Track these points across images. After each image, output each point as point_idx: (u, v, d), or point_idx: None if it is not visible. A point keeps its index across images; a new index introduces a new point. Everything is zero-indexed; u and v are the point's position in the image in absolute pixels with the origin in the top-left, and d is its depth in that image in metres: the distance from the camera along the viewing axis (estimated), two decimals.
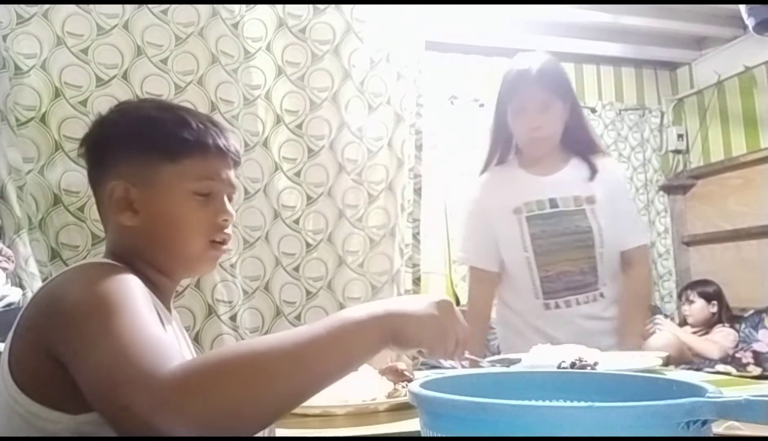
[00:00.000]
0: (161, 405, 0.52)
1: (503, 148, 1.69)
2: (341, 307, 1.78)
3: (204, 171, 0.86)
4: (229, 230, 0.89)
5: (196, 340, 1.64)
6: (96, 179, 0.86)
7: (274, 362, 0.57)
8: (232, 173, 0.90)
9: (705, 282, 3.24)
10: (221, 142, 0.88)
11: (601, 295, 1.57)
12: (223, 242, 0.88)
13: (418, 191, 2.00)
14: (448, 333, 0.70)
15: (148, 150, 0.84)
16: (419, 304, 0.69)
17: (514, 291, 1.63)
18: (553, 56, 1.64)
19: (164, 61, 1.68)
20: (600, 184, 1.60)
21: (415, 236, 2.02)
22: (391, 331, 0.65)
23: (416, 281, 1.98)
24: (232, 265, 1.69)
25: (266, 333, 1.68)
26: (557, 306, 1.57)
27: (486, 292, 1.68)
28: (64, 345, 0.63)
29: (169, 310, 0.88)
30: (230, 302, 1.69)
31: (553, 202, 1.60)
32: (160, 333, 0.62)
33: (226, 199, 0.88)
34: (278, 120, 1.79)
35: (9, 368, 0.68)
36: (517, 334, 1.61)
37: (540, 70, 1.59)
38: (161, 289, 0.85)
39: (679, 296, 3.38)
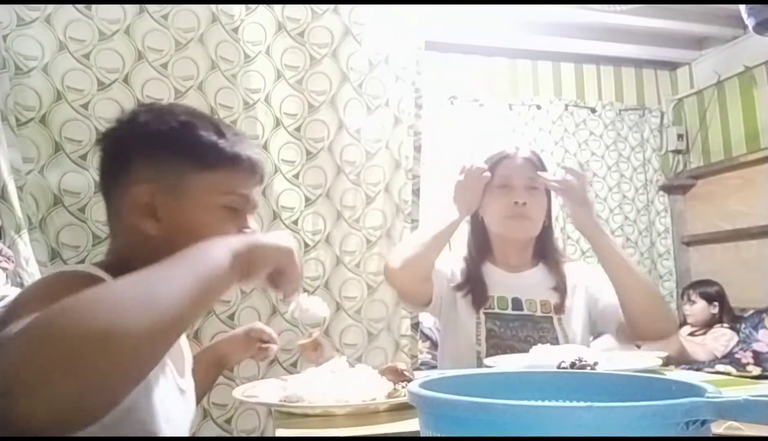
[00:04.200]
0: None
1: (478, 244, 1.55)
2: (337, 305, 1.80)
3: (234, 185, 0.83)
4: None
5: (196, 337, 1.66)
6: (114, 178, 0.82)
7: (116, 297, 0.51)
8: (256, 190, 0.87)
9: (707, 282, 3.23)
10: (254, 156, 0.85)
11: None
12: None
13: (416, 192, 2.01)
14: (296, 261, 0.71)
15: (181, 156, 0.80)
16: (279, 238, 0.71)
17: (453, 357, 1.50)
18: None
19: (164, 65, 1.69)
20: (572, 292, 1.48)
21: None
22: (246, 249, 0.64)
23: None
24: None
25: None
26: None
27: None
28: None
29: None
30: (228, 301, 1.71)
31: (516, 303, 1.46)
32: None
33: (248, 216, 0.86)
34: (277, 123, 1.80)
35: None
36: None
37: (530, 152, 1.53)
38: None
39: (681, 296, 3.38)
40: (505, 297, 1.47)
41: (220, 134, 0.83)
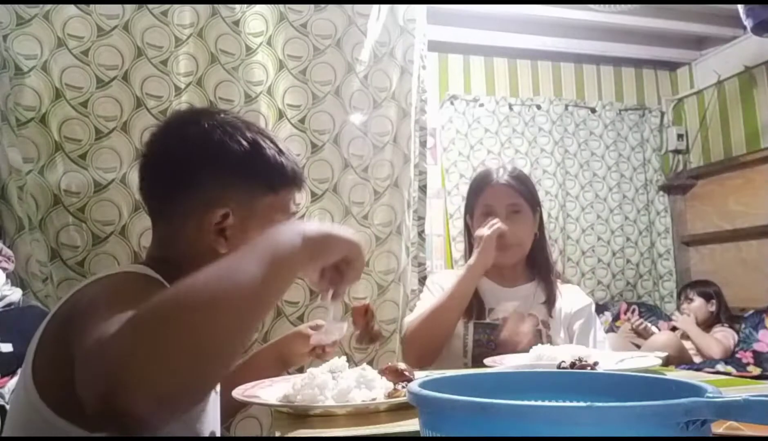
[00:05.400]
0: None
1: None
2: (345, 307, 1.75)
3: (290, 202, 0.87)
4: None
5: None
6: (177, 191, 0.82)
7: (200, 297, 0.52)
8: None
9: (705, 282, 3.24)
10: (299, 170, 0.89)
11: None
12: None
13: (423, 188, 1.98)
14: (363, 256, 0.76)
15: (253, 180, 0.82)
16: (347, 231, 0.74)
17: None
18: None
19: (164, 62, 1.68)
20: (560, 311, 1.54)
21: (420, 234, 2.00)
22: (319, 235, 0.66)
23: (422, 281, 1.95)
24: None
25: (266, 334, 1.68)
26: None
27: None
28: (73, 338, 0.60)
29: None
30: None
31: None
32: None
33: None
34: (281, 115, 1.77)
35: (33, 378, 0.65)
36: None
37: (511, 172, 1.57)
38: None
39: (679, 295, 3.38)
40: (496, 308, 1.55)
41: (282, 153, 0.86)
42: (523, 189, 1.56)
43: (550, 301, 1.54)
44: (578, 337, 1.52)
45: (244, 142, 0.83)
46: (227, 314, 0.52)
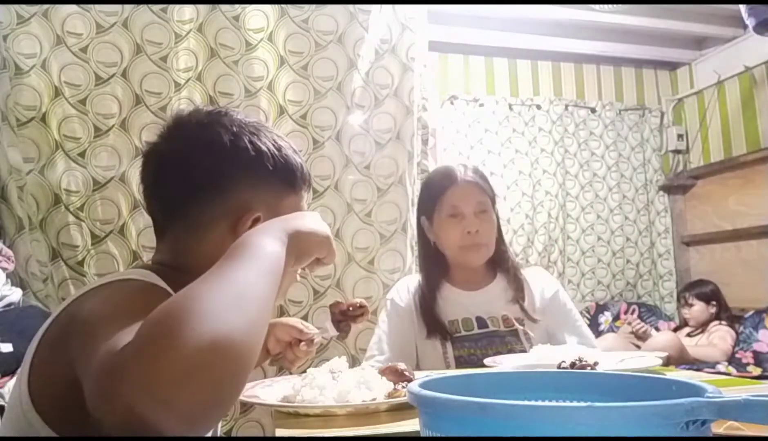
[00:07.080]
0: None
1: (432, 270, 1.50)
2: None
3: (303, 201, 0.89)
4: None
5: None
6: (204, 204, 0.80)
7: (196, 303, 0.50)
8: None
9: (701, 283, 3.24)
10: (308, 170, 0.91)
11: None
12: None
13: None
14: (333, 248, 0.78)
15: (279, 180, 0.84)
16: (315, 223, 0.74)
17: None
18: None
19: (164, 58, 1.68)
20: (529, 299, 1.47)
21: None
22: (291, 239, 0.66)
23: None
24: None
25: None
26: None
27: None
28: (75, 353, 0.58)
29: None
30: None
31: (480, 322, 1.45)
32: None
33: None
34: (282, 111, 1.76)
35: (28, 384, 0.64)
36: None
37: (475, 170, 1.49)
38: None
39: (678, 299, 3.38)
40: (469, 318, 1.45)
41: (296, 153, 0.87)
42: (487, 186, 1.49)
43: (519, 297, 1.46)
44: (557, 328, 1.45)
45: (270, 144, 0.83)
46: (240, 330, 0.50)
